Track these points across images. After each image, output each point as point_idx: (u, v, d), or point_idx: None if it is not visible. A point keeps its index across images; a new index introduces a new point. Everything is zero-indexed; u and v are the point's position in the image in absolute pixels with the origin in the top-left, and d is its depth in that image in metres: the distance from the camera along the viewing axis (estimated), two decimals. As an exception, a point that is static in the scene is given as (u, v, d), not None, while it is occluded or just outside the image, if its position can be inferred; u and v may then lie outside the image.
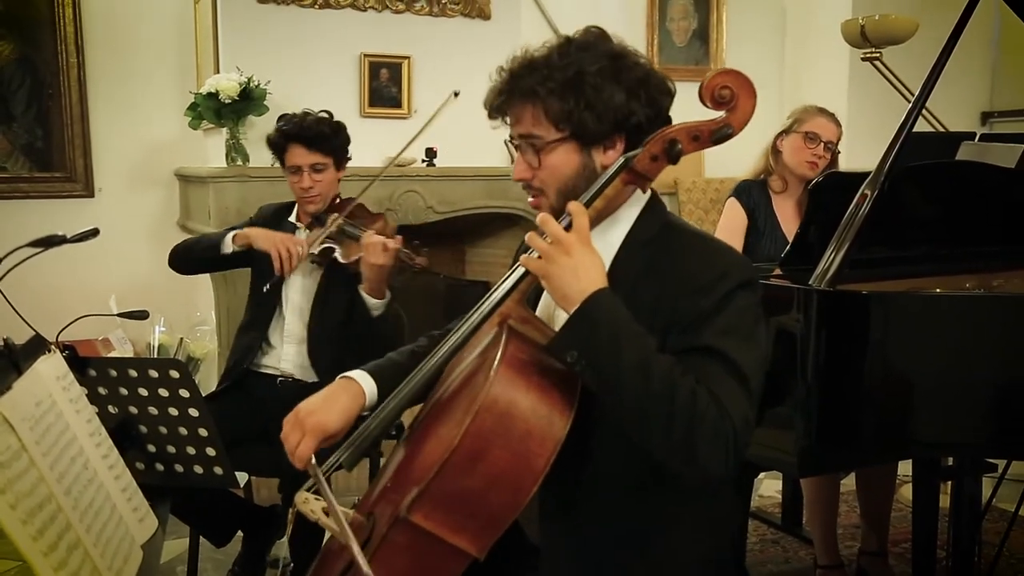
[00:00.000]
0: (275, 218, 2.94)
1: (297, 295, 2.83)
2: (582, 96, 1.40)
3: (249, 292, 2.94)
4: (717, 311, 1.36)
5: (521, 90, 1.43)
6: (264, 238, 2.72)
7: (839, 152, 3.04)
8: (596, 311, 1.30)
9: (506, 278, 1.46)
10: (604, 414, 1.39)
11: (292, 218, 2.92)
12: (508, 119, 1.49)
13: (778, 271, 2.38)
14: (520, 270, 1.42)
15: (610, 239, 1.47)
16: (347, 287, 2.71)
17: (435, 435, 1.44)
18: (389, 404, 1.52)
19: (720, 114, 1.40)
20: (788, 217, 3.00)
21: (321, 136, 2.76)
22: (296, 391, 2.67)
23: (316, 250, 2.71)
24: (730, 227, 3.01)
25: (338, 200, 2.87)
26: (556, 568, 1.50)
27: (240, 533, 2.80)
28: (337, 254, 2.72)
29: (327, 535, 1.57)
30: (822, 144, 2.95)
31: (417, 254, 2.64)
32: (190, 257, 2.92)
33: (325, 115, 2.84)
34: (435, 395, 1.57)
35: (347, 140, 2.85)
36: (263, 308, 2.83)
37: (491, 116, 1.50)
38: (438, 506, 1.31)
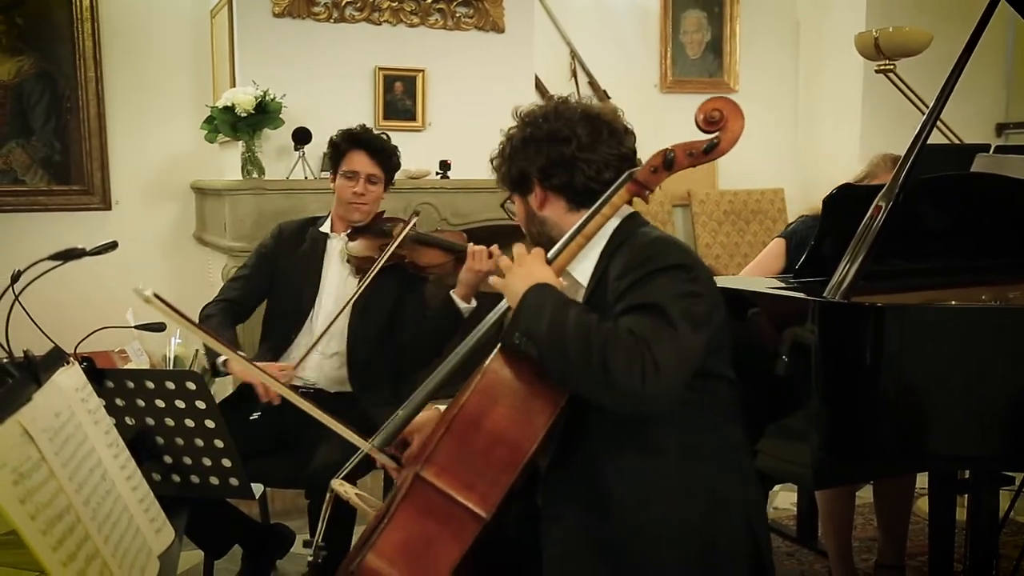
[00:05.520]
0: (299, 233, 2.93)
1: (331, 303, 2.82)
2: (504, 160, 1.83)
3: (268, 308, 2.92)
4: (637, 285, 1.59)
5: (491, 164, 1.89)
6: (242, 373, 2.63)
7: None
8: (526, 299, 1.59)
9: None
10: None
11: (325, 228, 2.92)
12: None
13: (793, 282, 2.38)
14: None
15: (594, 252, 1.74)
16: (401, 289, 2.80)
17: (449, 409, 1.62)
18: (418, 395, 1.79)
19: (715, 134, 1.67)
20: None
21: (385, 150, 2.88)
22: (317, 402, 2.65)
23: (385, 257, 2.75)
24: (763, 264, 2.98)
25: (384, 215, 2.93)
26: (556, 530, 1.66)
27: (239, 549, 2.80)
28: (415, 259, 2.82)
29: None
30: None
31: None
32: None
33: (385, 135, 2.97)
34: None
35: (399, 165, 2.97)
36: (289, 321, 2.81)
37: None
38: (449, 463, 1.50)
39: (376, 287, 2.75)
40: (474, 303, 2.73)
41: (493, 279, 1.71)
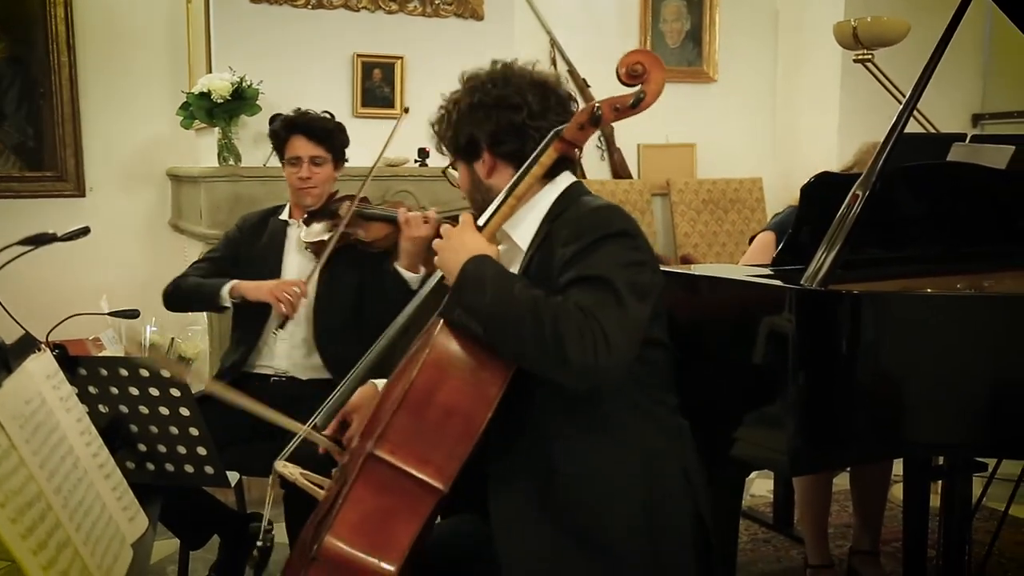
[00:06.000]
0: (260, 224, 2.94)
1: None
2: (450, 125, 1.79)
3: None
4: (582, 254, 1.56)
5: (433, 129, 1.85)
6: (255, 291, 2.73)
7: None
8: (464, 273, 1.56)
9: None
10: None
11: (284, 216, 2.94)
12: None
13: (771, 270, 2.38)
14: None
15: (534, 216, 1.72)
16: (356, 271, 2.76)
17: (397, 384, 1.60)
18: (354, 372, 1.78)
19: (637, 87, 1.63)
20: None
21: (324, 130, 2.85)
22: (291, 389, 2.67)
23: (335, 238, 2.73)
24: (755, 259, 2.97)
25: (337, 195, 2.90)
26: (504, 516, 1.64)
27: (218, 539, 2.78)
28: (360, 235, 2.77)
29: None
30: None
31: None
32: (190, 306, 2.98)
33: (327, 115, 2.93)
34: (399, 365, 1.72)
35: (346, 141, 2.92)
36: (255, 310, 2.79)
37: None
38: (403, 439, 1.48)
39: (333, 270, 2.75)
40: (423, 271, 2.67)
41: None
